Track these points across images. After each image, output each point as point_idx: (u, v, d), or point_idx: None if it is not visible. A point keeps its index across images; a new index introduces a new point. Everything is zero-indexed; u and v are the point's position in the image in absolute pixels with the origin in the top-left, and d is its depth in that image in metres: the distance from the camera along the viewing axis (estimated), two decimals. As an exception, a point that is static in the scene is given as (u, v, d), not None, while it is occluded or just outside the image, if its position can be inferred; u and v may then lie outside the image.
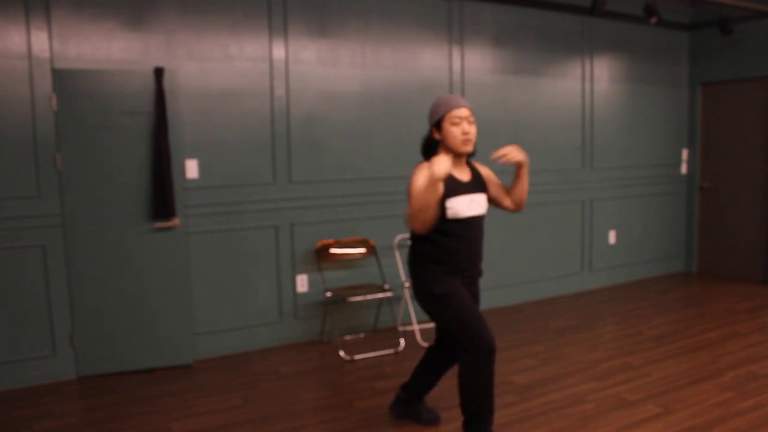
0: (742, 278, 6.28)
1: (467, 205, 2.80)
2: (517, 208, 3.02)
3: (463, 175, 2.88)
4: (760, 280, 6.10)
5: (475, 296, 3.02)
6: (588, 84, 5.87)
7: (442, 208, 2.76)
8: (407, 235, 4.84)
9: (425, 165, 2.80)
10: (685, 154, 6.69)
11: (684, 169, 6.71)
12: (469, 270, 2.90)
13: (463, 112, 2.78)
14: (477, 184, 2.90)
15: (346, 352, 4.32)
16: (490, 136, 5.29)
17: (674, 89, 6.52)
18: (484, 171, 3.01)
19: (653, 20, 5.26)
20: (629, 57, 6.12)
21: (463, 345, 2.75)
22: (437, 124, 2.81)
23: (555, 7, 5.53)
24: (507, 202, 3.02)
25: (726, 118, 6.36)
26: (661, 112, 6.45)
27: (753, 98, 6.08)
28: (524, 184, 2.94)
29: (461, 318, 2.75)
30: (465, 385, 2.77)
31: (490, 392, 2.76)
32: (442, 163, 2.52)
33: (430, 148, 2.88)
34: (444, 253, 2.81)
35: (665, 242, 6.67)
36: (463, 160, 2.91)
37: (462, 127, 2.76)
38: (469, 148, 2.80)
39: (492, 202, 3.03)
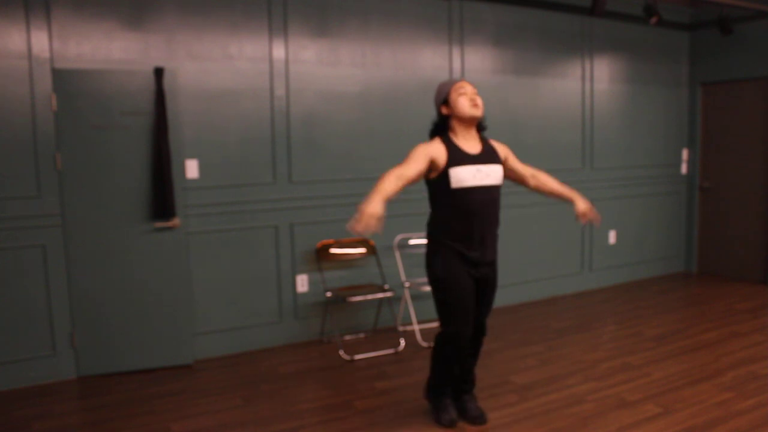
0: (742, 278, 6.27)
1: (472, 175, 2.86)
2: (536, 191, 3.26)
3: (472, 147, 2.95)
4: (760, 280, 6.10)
5: (486, 280, 3.03)
6: (588, 84, 5.87)
7: (446, 177, 2.85)
8: (407, 235, 4.84)
9: (434, 140, 2.95)
10: (685, 154, 6.69)
11: (684, 169, 6.71)
12: (479, 242, 2.92)
13: (467, 84, 2.96)
14: (488, 156, 2.96)
15: (346, 352, 4.32)
16: (490, 137, 5.27)
17: (674, 89, 6.52)
18: (501, 147, 3.10)
19: (653, 20, 5.26)
20: (629, 57, 6.12)
21: (440, 325, 3.03)
22: (445, 101, 2.96)
23: (555, 7, 5.53)
24: (530, 182, 3.20)
25: (726, 118, 6.36)
26: (661, 112, 6.45)
27: (753, 98, 6.08)
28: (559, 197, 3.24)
29: (445, 304, 2.97)
30: (432, 356, 3.13)
31: (450, 370, 3.10)
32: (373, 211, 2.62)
33: (440, 127, 3.00)
34: (453, 223, 2.90)
35: (665, 242, 6.67)
36: (474, 131, 2.99)
37: (468, 95, 2.92)
38: (477, 112, 2.91)
39: (510, 177, 3.16)
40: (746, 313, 5.14)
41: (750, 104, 6.11)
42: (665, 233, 6.65)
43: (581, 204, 3.18)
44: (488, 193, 2.90)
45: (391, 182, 2.73)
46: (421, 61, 4.93)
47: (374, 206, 2.61)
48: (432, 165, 2.88)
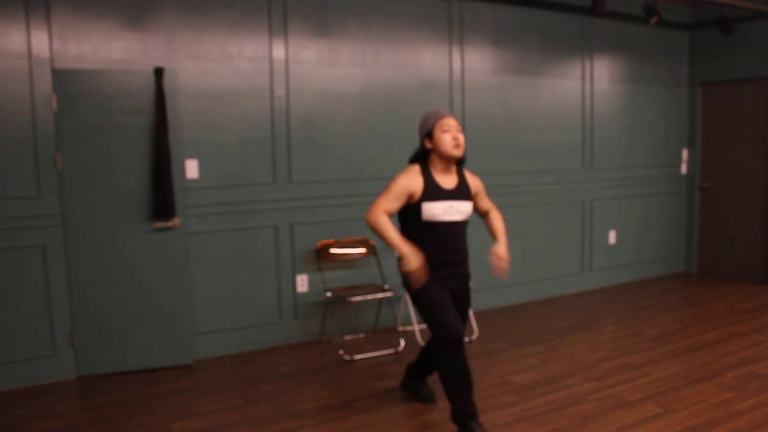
0: (742, 278, 6.27)
1: (443, 211, 2.98)
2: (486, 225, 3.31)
3: (448, 182, 3.04)
4: (760, 280, 6.10)
5: (459, 293, 3.13)
6: (588, 84, 5.87)
7: (419, 209, 2.96)
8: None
9: (414, 169, 3.03)
10: (685, 154, 6.69)
11: (684, 169, 6.71)
12: (449, 266, 3.04)
13: (452, 121, 3.01)
14: (461, 193, 3.06)
15: (346, 352, 4.32)
16: (490, 137, 5.29)
17: (674, 89, 6.52)
18: (474, 181, 3.18)
19: (653, 20, 5.26)
20: (629, 57, 6.12)
21: (433, 332, 3.00)
22: (428, 134, 3.02)
23: (555, 7, 5.53)
24: (485, 218, 3.31)
25: (726, 118, 6.36)
26: (661, 112, 6.45)
27: (753, 98, 6.08)
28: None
29: (430, 308, 2.98)
30: (442, 369, 2.98)
31: (465, 374, 2.95)
32: (412, 261, 2.84)
33: (421, 157, 3.09)
34: (423, 248, 2.97)
35: (665, 242, 6.67)
36: (453, 167, 3.08)
37: (452, 134, 2.97)
38: (459, 153, 2.98)
39: (474, 209, 3.25)
40: (746, 313, 5.14)
41: (750, 104, 6.11)
42: (665, 233, 6.65)
43: (499, 247, 3.15)
44: (456, 227, 3.03)
45: (389, 223, 2.92)
46: (421, 61, 4.93)
47: (415, 260, 2.83)
48: (408, 197, 2.99)
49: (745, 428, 3.08)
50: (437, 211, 2.96)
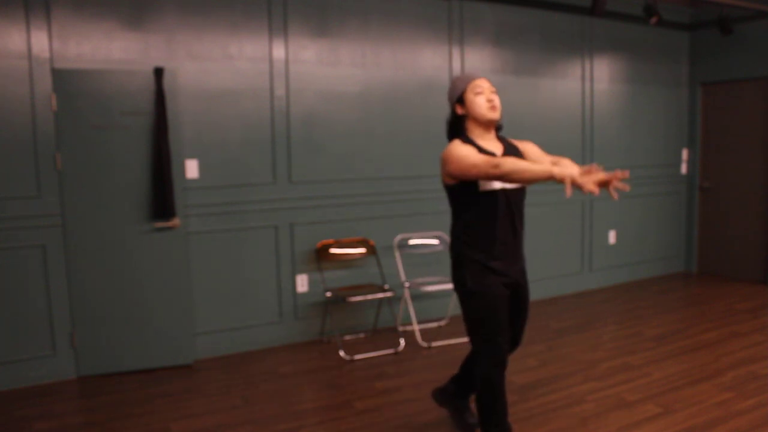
0: (742, 278, 6.27)
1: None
2: None
3: (494, 148, 2.74)
4: (760, 280, 6.10)
5: (518, 286, 2.81)
6: (588, 84, 5.87)
7: (474, 180, 2.64)
8: (407, 235, 4.85)
9: (457, 142, 2.69)
10: (685, 154, 6.69)
11: (684, 169, 6.71)
12: (504, 249, 2.71)
13: (485, 82, 2.74)
14: (512, 156, 2.71)
15: (346, 352, 4.32)
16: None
17: (674, 89, 6.52)
18: (525, 146, 2.89)
19: (653, 20, 5.26)
20: (629, 57, 6.12)
21: (475, 349, 2.80)
22: (460, 99, 2.75)
23: (555, 7, 5.53)
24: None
25: (726, 118, 6.36)
26: (661, 112, 6.45)
27: (753, 98, 6.08)
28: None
29: (479, 323, 2.71)
30: (479, 388, 2.75)
31: (503, 396, 2.74)
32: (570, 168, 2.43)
33: (456, 127, 2.79)
34: (478, 230, 2.69)
35: (665, 242, 6.66)
36: (493, 133, 2.78)
37: (486, 95, 2.71)
38: (495, 115, 2.71)
39: None
40: (746, 313, 5.14)
41: (750, 104, 6.11)
42: (665, 233, 6.65)
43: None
44: (513, 196, 2.70)
45: (510, 159, 2.49)
46: (421, 61, 4.93)
47: (571, 169, 2.39)
48: None
49: (745, 428, 3.08)
50: None
